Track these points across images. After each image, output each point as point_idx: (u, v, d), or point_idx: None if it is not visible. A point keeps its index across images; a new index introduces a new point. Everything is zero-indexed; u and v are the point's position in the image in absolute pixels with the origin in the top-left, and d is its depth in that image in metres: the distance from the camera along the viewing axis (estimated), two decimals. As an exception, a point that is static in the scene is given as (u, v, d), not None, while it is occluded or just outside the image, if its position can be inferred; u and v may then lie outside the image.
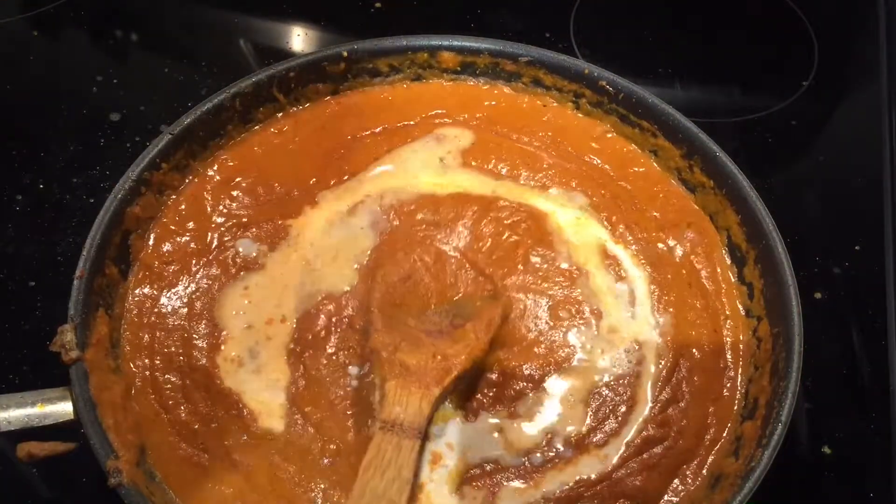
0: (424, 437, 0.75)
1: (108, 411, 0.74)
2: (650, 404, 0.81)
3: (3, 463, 0.85)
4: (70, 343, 0.75)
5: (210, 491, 0.75)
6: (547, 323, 0.85)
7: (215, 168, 0.94)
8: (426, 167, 0.95)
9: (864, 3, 1.33)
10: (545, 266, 0.88)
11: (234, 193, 0.92)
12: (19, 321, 0.95)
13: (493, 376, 0.81)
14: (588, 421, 0.79)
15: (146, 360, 0.81)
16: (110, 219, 0.83)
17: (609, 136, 0.99)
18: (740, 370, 0.83)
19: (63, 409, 0.73)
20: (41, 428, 0.73)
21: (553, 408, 0.80)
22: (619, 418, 0.80)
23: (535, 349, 0.83)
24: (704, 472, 0.78)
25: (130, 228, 0.86)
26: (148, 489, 0.72)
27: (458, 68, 1.01)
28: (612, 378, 0.82)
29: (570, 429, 0.79)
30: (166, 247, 0.88)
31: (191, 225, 0.89)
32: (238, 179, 0.93)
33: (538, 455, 0.77)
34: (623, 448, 0.78)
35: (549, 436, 0.78)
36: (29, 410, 0.72)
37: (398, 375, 0.76)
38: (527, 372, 0.81)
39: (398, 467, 0.71)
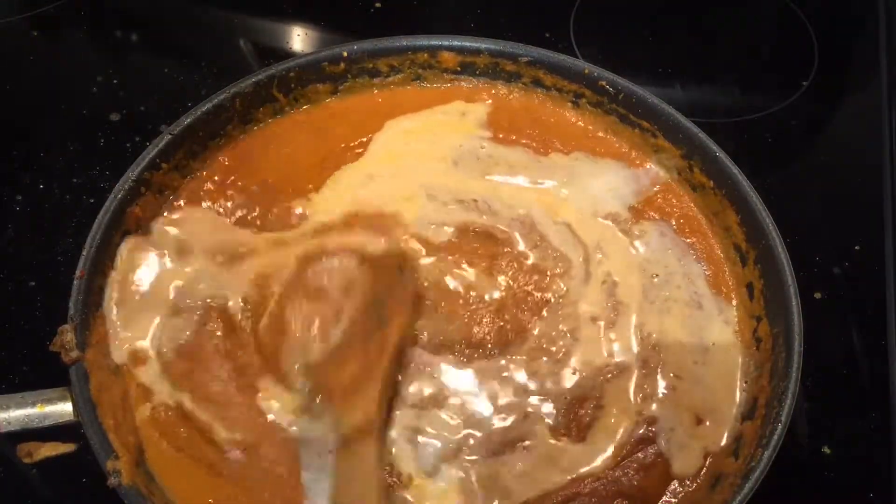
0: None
1: (108, 411, 0.74)
2: (645, 403, 0.81)
3: (3, 463, 0.85)
4: (70, 343, 0.75)
5: (209, 492, 0.75)
6: (534, 315, 0.85)
7: (213, 168, 0.93)
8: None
9: (864, 3, 1.33)
10: (539, 264, 0.88)
11: (229, 193, 0.91)
12: (19, 321, 0.95)
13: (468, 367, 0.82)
14: (579, 412, 0.79)
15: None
16: (110, 219, 0.83)
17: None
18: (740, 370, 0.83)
19: (63, 409, 0.73)
20: (41, 428, 0.73)
21: (535, 397, 0.80)
22: (609, 415, 0.79)
23: (520, 342, 0.83)
24: (704, 472, 0.78)
25: (130, 228, 0.86)
26: (148, 489, 0.72)
27: (458, 68, 1.01)
28: (602, 374, 0.82)
29: (553, 420, 0.79)
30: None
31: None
32: (233, 177, 0.93)
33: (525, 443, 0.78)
34: (615, 446, 0.78)
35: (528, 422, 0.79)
36: (29, 410, 0.72)
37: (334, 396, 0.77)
38: (505, 362, 0.82)
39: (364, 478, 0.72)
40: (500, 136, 0.98)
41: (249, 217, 0.90)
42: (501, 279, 0.87)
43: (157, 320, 0.82)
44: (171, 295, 0.83)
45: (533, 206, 0.91)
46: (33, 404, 0.73)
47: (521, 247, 0.89)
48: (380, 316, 0.81)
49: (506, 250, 0.88)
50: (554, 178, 0.94)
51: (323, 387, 0.78)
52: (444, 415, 0.79)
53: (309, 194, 0.92)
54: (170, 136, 0.89)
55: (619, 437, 0.79)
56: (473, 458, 0.77)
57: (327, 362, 0.78)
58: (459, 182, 0.93)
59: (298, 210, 0.91)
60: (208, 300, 0.83)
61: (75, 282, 0.78)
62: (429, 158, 0.95)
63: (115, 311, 0.82)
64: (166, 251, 0.86)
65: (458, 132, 0.98)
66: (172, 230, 0.87)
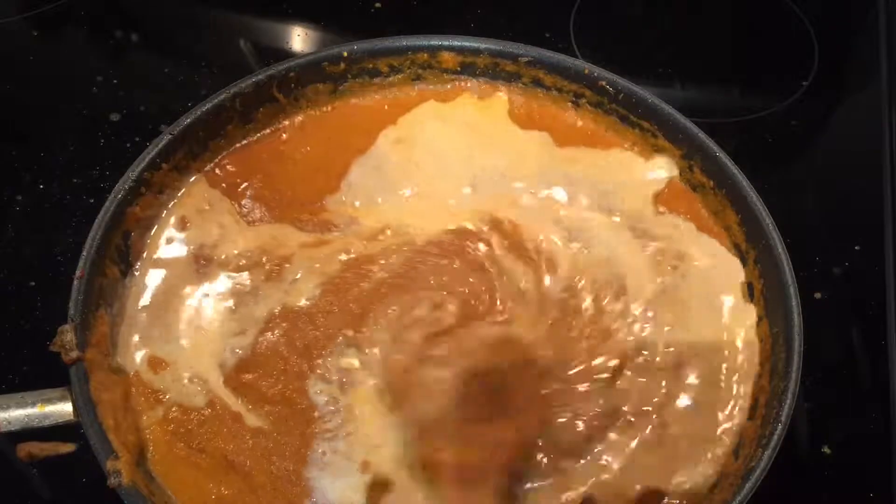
0: None
1: (108, 411, 0.74)
2: (648, 404, 0.80)
3: (3, 463, 0.85)
4: (70, 343, 0.75)
5: (210, 492, 0.75)
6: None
7: (217, 173, 0.93)
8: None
9: (864, 4, 1.33)
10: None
11: (243, 201, 0.92)
12: (19, 321, 0.95)
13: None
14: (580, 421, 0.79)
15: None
16: (110, 219, 0.83)
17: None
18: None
19: (63, 409, 0.73)
20: (41, 428, 0.73)
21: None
22: (611, 420, 0.79)
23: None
24: (704, 472, 0.78)
25: (130, 228, 0.86)
26: (148, 489, 0.72)
27: (458, 68, 1.01)
28: (601, 375, 0.81)
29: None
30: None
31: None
32: (244, 185, 0.93)
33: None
34: (617, 447, 0.78)
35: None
36: (29, 410, 0.72)
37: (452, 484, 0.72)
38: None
39: None
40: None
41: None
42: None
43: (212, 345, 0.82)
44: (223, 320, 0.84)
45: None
46: (33, 404, 0.73)
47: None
48: (501, 402, 0.76)
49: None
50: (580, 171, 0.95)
51: (431, 460, 0.75)
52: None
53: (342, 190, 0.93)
54: (170, 136, 0.89)
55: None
56: None
57: (439, 427, 0.75)
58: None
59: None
60: (272, 311, 0.84)
61: (75, 282, 0.78)
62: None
63: (142, 325, 0.83)
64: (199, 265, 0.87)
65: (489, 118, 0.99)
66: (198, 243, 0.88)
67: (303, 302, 0.84)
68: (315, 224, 0.90)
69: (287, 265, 0.87)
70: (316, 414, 0.78)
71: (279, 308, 0.84)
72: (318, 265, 0.87)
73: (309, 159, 0.96)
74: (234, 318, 0.83)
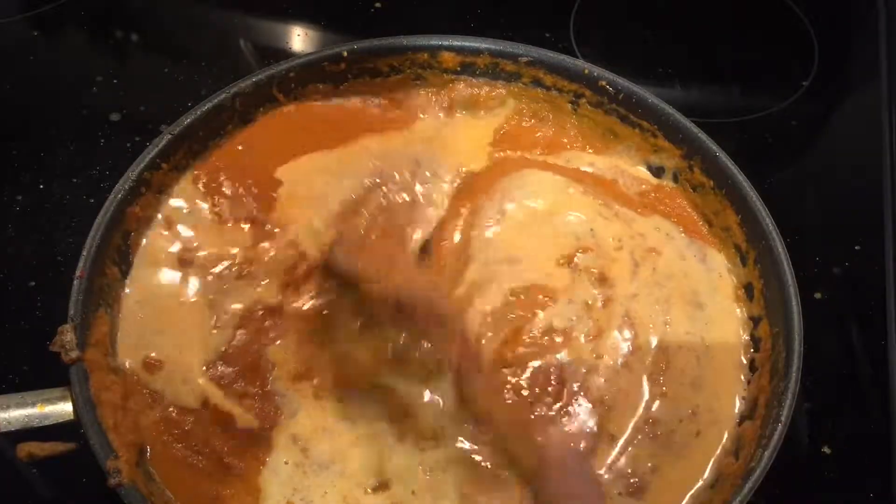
0: None
1: (108, 411, 0.74)
2: (648, 405, 0.81)
3: (3, 463, 0.85)
4: (70, 343, 0.75)
5: (208, 492, 0.75)
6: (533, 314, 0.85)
7: (202, 172, 0.93)
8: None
9: (864, 3, 1.33)
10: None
11: (221, 200, 0.91)
12: (19, 321, 0.95)
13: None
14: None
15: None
16: (110, 219, 0.83)
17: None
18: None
19: (63, 409, 0.73)
20: (41, 428, 0.73)
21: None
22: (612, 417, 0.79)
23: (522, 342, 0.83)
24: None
25: (130, 228, 0.86)
26: (147, 489, 0.72)
27: (458, 68, 1.01)
28: (603, 374, 0.81)
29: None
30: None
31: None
32: (224, 184, 0.92)
33: None
34: (618, 446, 0.78)
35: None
36: (29, 410, 0.72)
37: None
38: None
39: None
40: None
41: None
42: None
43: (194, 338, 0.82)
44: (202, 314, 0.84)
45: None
46: (33, 404, 0.73)
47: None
48: None
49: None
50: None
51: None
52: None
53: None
54: (170, 136, 0.89)
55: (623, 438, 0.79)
56: None
57: None
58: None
59: None
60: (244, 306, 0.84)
61: (75, 282, 0.78)
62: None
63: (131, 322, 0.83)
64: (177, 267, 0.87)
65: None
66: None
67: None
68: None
69: (256, 264, 0.87)
70: None
71: (255, 301, 0.84)
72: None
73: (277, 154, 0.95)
74: (214, 317, 0.83)
